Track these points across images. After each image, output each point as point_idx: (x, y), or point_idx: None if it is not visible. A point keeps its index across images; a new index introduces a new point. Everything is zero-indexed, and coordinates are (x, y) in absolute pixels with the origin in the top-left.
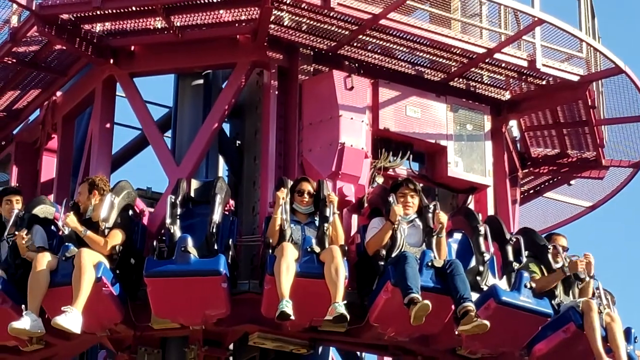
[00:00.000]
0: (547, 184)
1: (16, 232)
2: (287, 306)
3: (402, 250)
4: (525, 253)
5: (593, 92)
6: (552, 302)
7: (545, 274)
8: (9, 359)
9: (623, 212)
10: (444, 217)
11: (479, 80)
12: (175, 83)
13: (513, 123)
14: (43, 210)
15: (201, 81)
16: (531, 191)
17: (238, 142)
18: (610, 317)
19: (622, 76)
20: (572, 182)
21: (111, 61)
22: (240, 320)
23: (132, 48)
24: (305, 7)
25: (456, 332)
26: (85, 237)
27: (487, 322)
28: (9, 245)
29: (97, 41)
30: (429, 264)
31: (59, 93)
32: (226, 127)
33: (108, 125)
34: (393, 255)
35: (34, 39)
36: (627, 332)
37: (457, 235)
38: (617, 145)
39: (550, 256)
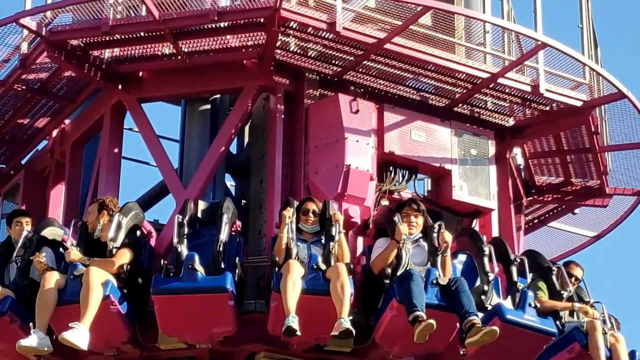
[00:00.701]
0: (551, 213)
1: (31, 257)
2: (294, 322)
3: (408, 268)
4: (530, 275)
5: (596, 119)
6: (557, 322)
7: (548, 295)
8: None
9: (628, 241)
10: (448, 237)
11: (483, 106)
12: (182, 108)
13: (517, 151)
14: (52, 232)
15: (208, 106)
16: (536, 220)
17: (244, 201)
18: (614, 338)
19: (624, 102)
20: (576, 211)
21: (119, 87)
22: (247, 340)
23: (140, 74)
24: (312, 32)
25: (461, 352)
26: (92, 263)
27: (496, 328)
28: (18, 266)
29: (106, 67)
30: (434, 281)
31: (67, 121)
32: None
33: (116, 151)
34: (398, 273)
35: (44, 65)
36: (632, 355)
37: (462, 257)
38: (621, 176)
39: (554, 277)
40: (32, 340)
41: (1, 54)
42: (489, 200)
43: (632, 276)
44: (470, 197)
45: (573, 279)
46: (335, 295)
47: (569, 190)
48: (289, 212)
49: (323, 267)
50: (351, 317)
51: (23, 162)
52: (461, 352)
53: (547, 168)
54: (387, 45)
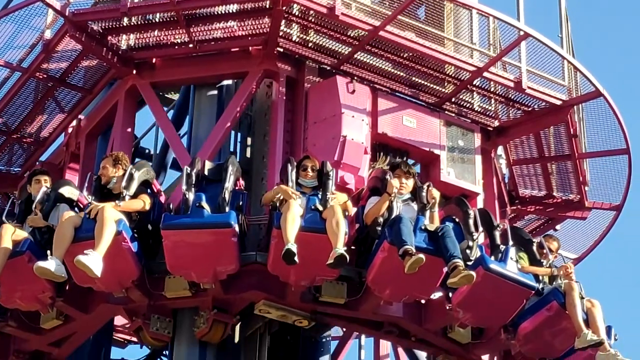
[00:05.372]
0: (533, 232)
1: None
2: (293, 247)
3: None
4: (511, 243)
5: (575, 122)
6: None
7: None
8: (30, 337)
9: (609, 259)
10: (436, 193)
11: (470, 107)
12: (192, 93)
13: (502, 162)
14: (69, 191)
15: (215, 92)
16: None
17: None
18: (591, 303)
19: (602, 103)
20: (558, 227)
21: (134, 72)
22: (247, 287)
23: (154, 60)
24: (313, 19)
25: (447, 307)
26: (120, 208)
27: (472, 273)
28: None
29: (122, 53)
30: (422, 227)
31: (82, 116)
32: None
33: (129, 130)
34: None
35: (64, 54)
36: (608, 329)
37: (449, 224)
38: (600, 186)
39: (534, 248)
40: (50, 264)
41: (26, 39)
42: (474, 185)
43: (614, 294)
44: (457, 181)
45: (550, 252)
46: (331, 231)
47: (550, 203)
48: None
49: (320, 208)
50: (345, 249)
51: (38, 162)
52: (447, 307)
53: (530, 180)
54: (382, 33)
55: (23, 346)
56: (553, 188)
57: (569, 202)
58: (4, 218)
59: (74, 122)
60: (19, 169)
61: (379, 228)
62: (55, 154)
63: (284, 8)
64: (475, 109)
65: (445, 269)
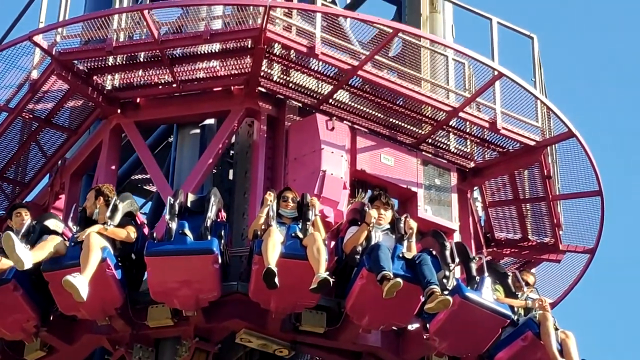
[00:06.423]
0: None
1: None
2: (274, 267)
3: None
4: (487, 274)
5: (549, 164)
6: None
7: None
8: None
9: (584, 302)
10: (414, 224)
11: (446, 148)
12: (175, 132)
13: (478, 205)
14: (54, 223)
15: (198, 130)
16: None
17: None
18: (565, 334)
19: (574, 144)
20: (533, 270)
21: (118, 111)
22: (228, 316)
23: (138, 100)
24: (293, 59)
25: (425, 337)
26: (107, 233)
27: (449, 297)
28: None
29: (107, 93)
30: (400, 255)
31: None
32: None
33: (113, 168)
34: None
35: (50, 94)
36: None
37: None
38: (573, 228)
39: (510, 281)
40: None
41: (13, 79)
42: (451, 221)
43: (589, 337)
44: (434, 217)
45: (526, 285)
46: (312, 257)
47: (525, 246)
48: (270, 196)
49: (301, 235)
50: (328, 273)
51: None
52: (425, 337)
53: (506, 223)
54: (360, 72)
55: None
56: (528, 231)
57: (544, 245)
58: None
59: (59, 163)
60: (3, 212)
61: (358, 257)
62: (40, 195)
63: (265, 47)
64: (452, 150)
65: (422, 298)
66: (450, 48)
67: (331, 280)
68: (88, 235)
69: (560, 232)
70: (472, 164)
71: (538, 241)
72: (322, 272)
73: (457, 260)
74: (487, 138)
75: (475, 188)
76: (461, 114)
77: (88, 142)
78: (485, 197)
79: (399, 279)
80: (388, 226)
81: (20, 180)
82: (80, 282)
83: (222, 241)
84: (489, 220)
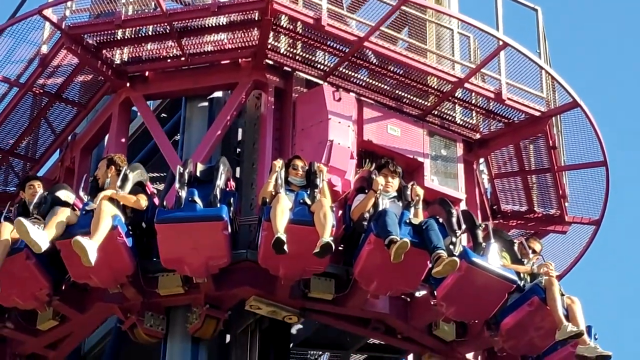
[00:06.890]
0: None
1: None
2: (282, 236)
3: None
4: (493, 240)
5: (554, 135)
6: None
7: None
8: (26, 339)
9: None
10: (420, 191)
11: (452, 120)
12: (183, 105)
13: (484, 177)
14: (65, 194)
15: (206, 103)
16: None
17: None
18: (570, 300)
19: (580, 118)
20: None
21: (127, 85)
22: (238, 283)
23: (146, 74)
24: (300, 28)
25: (432, 303)
26: (117, 197)
27: (456, 259)
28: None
29: (116, 67)
30: (407, 221)
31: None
32: None
33: (123, 141)
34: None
35: (60, 69)
36: (588, 329)
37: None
38: (579, 199)
39: (516, 248)
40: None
41: (23, 53)
42: (457, 191)
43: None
44: (441, 187)
45: (532, 252)
46: (319, 223)
47: (531, 218)
48: (279, 163)
49: (309, 202)
50: (332, 238)
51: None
52: (432, 303)
53: (512, 195)
54: (367, 44)
55: (19, 349)
56: (534, 203)
57: (550, 217)
58: (2, 219)
59: (69, 138)
60: (15, 189)
61: (365, 223)
62: (51, 171)
63: (272, 19)
64: (457, 122)
65: (429, 263)
66: (455, 18)
67: (333, 244)
68: (100, 203)
69: (566, 204)
70: (477, 135)
71: (544, 213)
72: (326, 237)
73: (463, 227)
74: (493, 109)
75: (482, 160)
76: (466, 85)
77: (98, 117)
78: (491, 169)
79: (406, 239)
80: (395, 194)
81: (30, 156)
82: (90, 244)
83: (231, 209)
84: (495, 192)
